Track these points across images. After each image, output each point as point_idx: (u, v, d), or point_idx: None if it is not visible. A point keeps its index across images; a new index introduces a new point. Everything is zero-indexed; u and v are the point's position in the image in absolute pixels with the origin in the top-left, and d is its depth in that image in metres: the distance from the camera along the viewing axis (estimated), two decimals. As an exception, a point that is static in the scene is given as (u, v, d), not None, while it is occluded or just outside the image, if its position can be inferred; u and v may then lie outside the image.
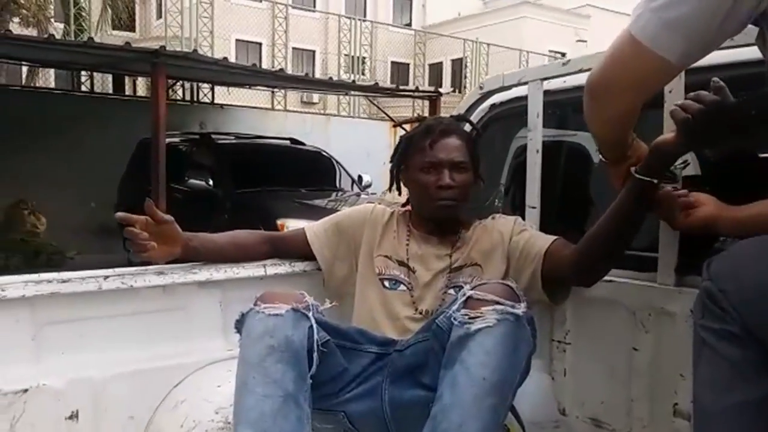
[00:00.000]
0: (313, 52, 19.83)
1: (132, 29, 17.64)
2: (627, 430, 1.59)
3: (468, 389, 1.17)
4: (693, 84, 1.36)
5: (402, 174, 1.69)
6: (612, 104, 1.18)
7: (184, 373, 1.57)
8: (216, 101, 11.00)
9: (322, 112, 14.23)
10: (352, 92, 10.81)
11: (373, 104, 11.01)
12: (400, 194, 1.74)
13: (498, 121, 2.05)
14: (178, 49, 8.90)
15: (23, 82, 12.18)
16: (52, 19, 13.15)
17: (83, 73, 10.48)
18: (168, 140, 6.55)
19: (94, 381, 1.46)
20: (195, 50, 7.81)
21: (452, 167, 1.57)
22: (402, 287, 1.60)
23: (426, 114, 9.22)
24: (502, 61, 14.17)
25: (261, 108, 11.33)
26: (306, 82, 9.40)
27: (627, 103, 1.17)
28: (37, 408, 1.39)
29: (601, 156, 1.39)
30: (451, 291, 1.54)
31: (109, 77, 12.20)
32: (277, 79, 8.68)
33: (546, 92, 1.75)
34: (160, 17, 14.13)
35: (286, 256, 1.75)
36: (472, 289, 1.27)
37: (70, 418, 1.43)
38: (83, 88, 10.63)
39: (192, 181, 6.38)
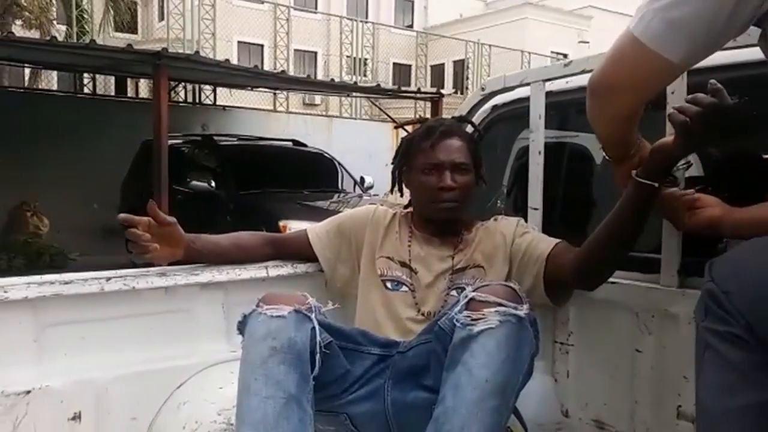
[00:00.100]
0: (315, 53, 19.85)
1: (134, 31, 17.68)
2: (630, 432, 1.59)
3: (470, 391, 1.17)
4: (696, 85, 1.36)
5: (404, 175, 1.69)
6: (614, 104, 1.17)
7: (186, 375, 1.57)
8: (218, 103, 11.02)
9: (324, 113, 14.23)
10: (354, 94, 10.81)
11: (375, 106, 11.01)
12: (402, 195, 1.74)
13: (500, 123, 2.05)
14: (180, 51, 8.90)
15: (26, 84, 12.20)
16: (55, 22, 13.19)
17: (85, 75, 10.50)
18: (170, 142, 6.56)
19: (97, 382, 1.46)
20: (197, 52, 7.82)
21: (453, 169, 1.57)
22: (404, 288, 1.60)
23: (428, 115, 9.23)
24: (504, 62, 14.17)
25: (263, 110, 11.34)
26: (308, 84, 9.40)
27: (629, 102, 1.17)
28: (39, 410, 1.39)
29: (604, 154, 1.39)
30: (454, 292, 1.54)
31: (112, 79, 12.22)
32: (279, 81, 8.68)
33: (548, 93, 1.75)
34: (162, 19, 14.14)
35: (288, 258, 1.75)
36: (474, 291, 1.26)
37: (73, 419, 1.44)
38: (86, 91, 10.65)
39: (194, 182, 6.39)
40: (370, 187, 7.15)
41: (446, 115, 7.70)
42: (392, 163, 1.73)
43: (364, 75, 13.64)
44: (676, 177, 1.34)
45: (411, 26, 22.89)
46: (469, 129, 1.79)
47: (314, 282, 1.72)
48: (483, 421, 1.17)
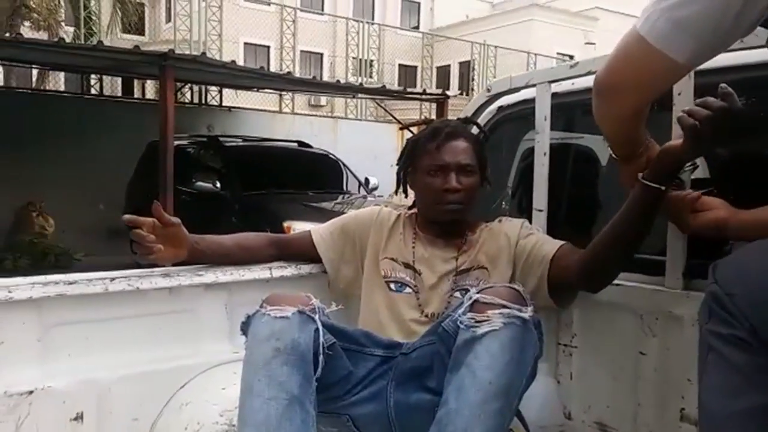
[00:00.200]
0: (321, 55, 19.87)
1: (141, 33, 17.74)
2: (633, 434, 1.58)
3: (474, 393, 1.17)
4: (702, 86, 1.36)
5: (408, 176, 1.68)
6: (619, 103, 1.17)
7: (189, 376, 1.57)
8: (224, 104, 11.05)
9: (329, 114, 14.25)
10: (360, 95, 10.81)
11: (381, 107, 11.01)
12: (406, 197, 1.74)
13: (505, 124, 2.04)
14: (187, 52, 8.93)
15: (33, 85, 12.27)
16: (63, 23, 13.26)
17: (93, 76, 10.55)
18: (176, 143, 6.58)
19: (100, 383, 1.47)
20: (203, 53, 7.84)
21: (459, 170, 1.56)
22: (408, 290, 1.59)
23: (433, 116, 9.22)
24: (509, 63, 14.15)
25: (269, 111, 11.36)
26: (313, 85, 9.41)
27: (634, 102, 1.16)
28: (42, 410, 1.39)
29: (611, 153, 1.38)
30: (457, 294, 1.53)
31: (119, 80, 12.28)
32: (284, 82, 8.69)
33: (554, 95, 1.74)
34: (170, 21, 14.21)
35: (292, 259, 1.75)
36: (478, 293, 1.26)
37: (75, 419, 1.44)
38: (92, 91, 10.70)
39: (199, 183, 6.39)
40: (375, 189, 7.15)
41: (452, 116, 7.70)
42: (397, 164, 1.73)
43: (370, 76, 13.65)
44: (683, 180, 1.34)
45: (417, 27, 22.90)
46: (475, 130, 1.78)
47: (318, 283, 1.72)
48: (486, 423, 1.16)
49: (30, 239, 7.32)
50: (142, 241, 1.45)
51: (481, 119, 2.01)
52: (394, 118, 10.18)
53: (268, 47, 17.86)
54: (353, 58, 13.86)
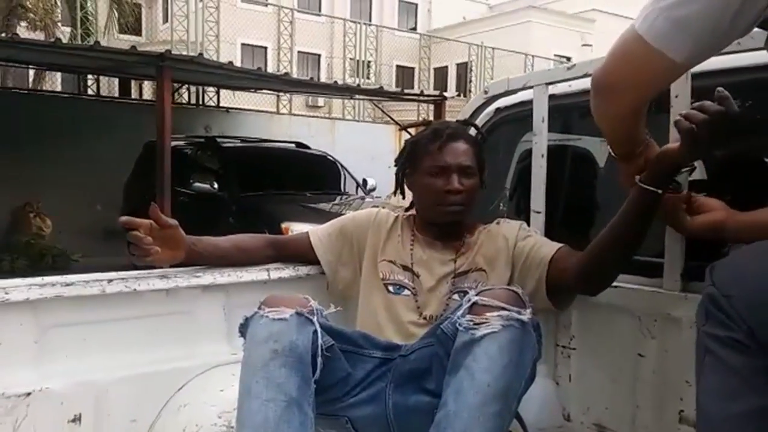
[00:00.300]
0: (319, 56, 19.85)
1: (138, 33, 17.71)
2: (632, 436, 1.58)
3: (472, 396, 1.17)
4: (699, 88, 1.36)
5: (407, 178, 1.68)
6: (617, 102, 1.16)
7: (187, 377, 1.57)
8: (221, 105, 11.03)
9: (327, 115, 14.24)
10: (357, 96, 10.81)
11: (378, 108, 11.01)
12: (404, 198, 1.74)
13: (503, 126, 2.04)
14: (184, 52, 8.93)
15: (30, 85, 12.23)
16: (59, 23, 13.23)
17: (90, 76, 10.53)
18: (173, 143, 6.57)
19: (97, 384, 1.46)
20: (200, 54, 7.83)
21: (460, 171, 1.56)
22: (406, 292, 1.59)
23: (431, 118, 9.23)
24: (507, 65, 14.17)
25: (266, 112, 11.36)
26: (311, 86, 9.41)
27: (632, 101, 1.16)
28: (39, 411, 1.38)
29: (611, 151, 1.37)
30: (456, 296, 1.53)
31: (116, 81, 12.26)
32: (282, 83, 8.69)
33: (551, 96, 1.74)
34: (166, 21, 14.19)
35: (290, 260, 1.75)
36: (477, 295, 1.26)
37: (73, 421, 1.43)
38: (89, 92, 10.68)
39: (197, 184, 6.39)
40: (373, 190, 7.15)
41: (449, 117, 7.70)
42: (395, 166, 1.72)
43: (368, 77, 13.65)
44: (680, 183, 1.34)
45: (414, 29, 22.90)
46: (472, 132, 1.78)
47: (316, 285, 1.72)
48: (485, 426, 1.16)
49: (27, 240, 7.32)
50: (139, 243, 1.44)
51: (479, 121, 2.01)
52: (392, 119, 10.18)
53: (266, 48, 17.85)
54: (351, 59, 13.87)
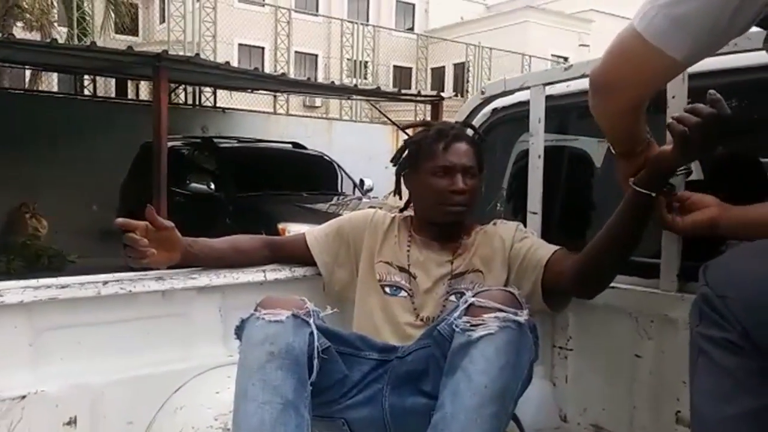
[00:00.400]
0: (316, 56, 19.85)
1: (135, 33, 17.69)
2: (629, 437, 1.58)
3: (469, 397, 1.16)
4: (696, 89, 1.36)
5: (407, 178, 1.67)
6: (615, 100, 1.16)
7: (183, 379, 1.56)
8: (218, 105, 11.02)
9: (324, 116, 14.22)
10: (355, 96, 10.81)
11: (375, 108, 11.01)
12: (401, 198, 1.73)
13: (500, 126, 2.04)
14: (181, 53, 8.91)
15: (26, 86, 12.20)
16: (56, 24, 13.19)
17: (86, 77, 10.50)
18: (170, 144, 6.56)
19: (93, 387, 1.45)
20: (197, 54, 7.82)
21: (464, 172, 1.57)
22: (403, 293, 1.59)
23: (428, 118, 9.23)
24: (504, 65, 14.18)
25: (263, 112, 11.34)
26: (308, 86, 9.41)
27: (631, 98, 1.15)
28: (35, 414, 1.38)
29: (611, 149, 1.37)
30: (452, 298, 1.53)
31: (112, 81, 12.22)
32: (279, 83, 8.69)
33: (548, 97, 1.74)
34: (163, 21, 14.15)
35: (286, 261, 1.74)
36: (473, 296, 1.26)
37: (68, 424, 1.43)
38: (86, 92, 10.65)
39: (194, 185, 6.39)
40: (370, 190, 7.15)
41: (446, 117, 7.70)
42: (394, 166, 1.72)
43: (365, 78, 13.65)
44: (674, 186, 1.33)
45: (412, 29, 22.92)
46: (469, 133, 1.78)
47: (312, 286, 1.72)
48: (482, 428, 1.16)
49: (23, 241, 7.29)
50: (135, 245, 1.44)
51: (476, 121, 2.01)
52: (389, 119, 10.18)
53: (263, 48, 17.84)
54: (348, 59, 13.85)
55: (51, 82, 12.44)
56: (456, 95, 12.13)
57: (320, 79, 15.66)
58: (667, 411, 1.46)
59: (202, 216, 6.05)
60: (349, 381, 1.39)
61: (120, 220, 1.46)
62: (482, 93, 2.03)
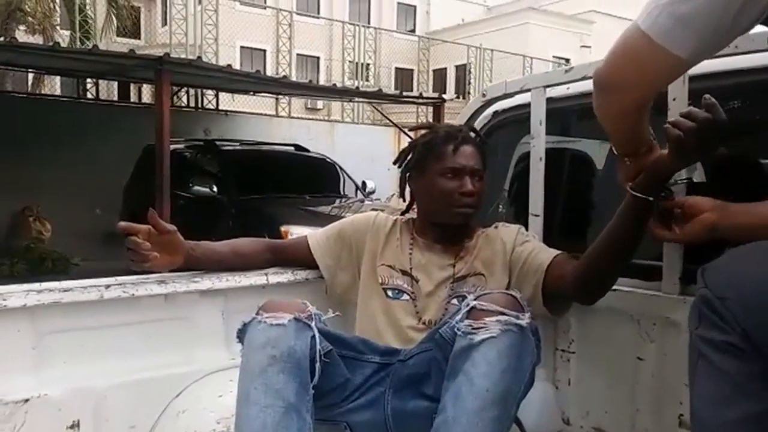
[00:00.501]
0: (318, 58, 19.88)
1: (137, 36, 17.73)
2: (631, 440, 1.57)
3: (471, 401, 1.16)
4: (697, 91, 1.36)
5: (412, 180, 1.67)
6: (620, 99, 1.15)
7: (185, 383, 1.56)
8: (220, 108, 11.03)
9: (326, 118, 14.25)
10: (356, 98, 10.82)
11: (377, 110, 11.02)
12: (405, 200, 1.74)
13: (501, 128, 2.04)
14: (183, 56, 8.93)
15: (29, 89, 12.24)
16: (58, 27, 13.23)
17: (89, 80, 10.53)
18: (172, 147, 6.57)
19: (96, 391, 1.46)
20: (199, 57, 7.85)
21: (472, 174, 1.57)
22: (405, 297, 1.59)
23: (430, 120, 9.23)
24: (506, 67, 14.18)
25: (265, 114, 11.36)
26: (310, 89, 9.42)
27: (635, 98, 1.15)
28: (38, 418, 1.38)
29: (614, 150, 1.36)
30: (455, 301, 1.53)
31: (115, 84, 12.26)
32: (281, 86, 8.70)
33: (549, 99, 1.74)
34: (166, 24, 14.18)
35: (288, 264, 1.74)
36: (475, 299, 1.26)
37: (71, 428, 1.43)
38: (88, 96, 10.68)
39: (196, 187, 6.39)
40: (372, 192, 7.15)
41: (448, 119, 7.70)
42: (398, 167, 1.71)
43: (366, 80, 13.66)
44: (672, 191, 1.33)
45: (413, 31, 22.95)
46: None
47: (314, 289, 1.72)
48: (483, 431, 1.16)
49: (27, 244, 7.31)
50: (138, 249, 1.44)
51: (477, 124, 2.02)
52: (391, 121, 10.19)
53: (265, 51, 17.89)
54: (349, 61, 13.87)
55: (54, 85, 12.46)
56: (458, 97, 12.14)
57: (322, 81, 15.70)
58: (670, 414, 1.46)
59: (205, 219, 6.06)
60: (351, 384, 1.39)
61: (122, 223, 1.46)
62: (483, 95, 2.03)
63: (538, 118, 1.74)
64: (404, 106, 11.56)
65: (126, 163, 7.54)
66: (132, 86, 13.27)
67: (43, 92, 11.80)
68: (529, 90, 1.79)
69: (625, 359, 1.57)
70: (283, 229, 5.11)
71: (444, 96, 9.37)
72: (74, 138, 8.09)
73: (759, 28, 1.02)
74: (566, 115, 1.95)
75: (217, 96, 11.04)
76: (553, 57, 18.96)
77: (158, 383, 1.54)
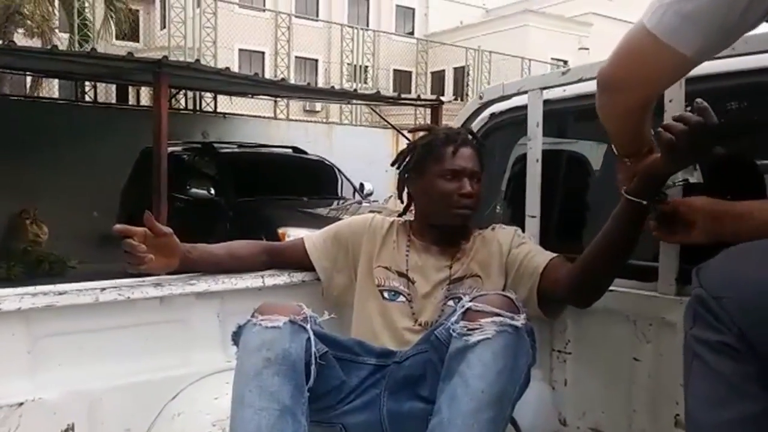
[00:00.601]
0: (316, 61, 19.91)
1: (136, 39, 17.75)
2: (628, 440, 1.57)
3: (466, 402, 1.16)
4: (693, 93, 1.36)
5: (410, 181, 1.67)
6: (624, 99, 1.15)
7: (181, 386, 1.56)
8: (218, 110, 11.03)
9: (324, 120, 14.26)
10: (355, 101, 10.83)
11: (375, 112, 11.02)
12: (403, 202, 1.74)
13: (498, 130, 2.04)
14: (181, 58, 8.93)
15: (27, 92, 12.24)
16: (57, 30, 13.24)
17: (87, 83, 10.53)
18: (170, 149, 6.57)
19: (91, 394, 1.45)
20: (197, 60, 7.85)
21: (471, 176, 1.58)
22: (401, 298, 1.59)
23: (428, 122, 9.23)
24: (504, 69, 14.20)
25: (263, 117, 11.36)
26: (308, 91, 9.43)
27: (640, 97, 1.15)
28: (32, 421, 1.37)
29: (615, 151, 1.35)
30: (451, 302, 1.53)
31: (113, 87, 12.26)
32: (279, 89, 8.70)
33: (546, 101, 1.74)
34: (164, 27, 14.20)
35: (285, 267, 1.74)
36: (470, 301, 1.26)
37: (66, 431, 1.42)
38: (87, 98, 10.68)
39: (194, 190, 6.38)
40: (370, 194, 7.15)
41: (446, 121, 7.71)
42: (396, 169, 1.71)
43: (365, 82, 13.67)
44: (666, 194, 1.33)
45: (412, 33, 22.96)
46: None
47: (311, 291, 1.72)
48: (479, 433, 1.16)
49: (24, 247, 7.30)
50: (134, 251, 1.44)
51: (474, 126, 2.02)
52: (389, 123, 10.19)
53: (263, 53, 17.91)
54: (348, 63, 13.88)
55: (52, 88, 12.46)
56: (456, 99, 12.15)
57: (320, 83, 15.72)
58: (666, 414, 1.46)
59: (203, 221, 6.05)
60: (347, 386, 1.39)
61: (118, 226, 1.46)
62: (480, 98, 2.03)
63: (535, 120, 1.75)
64: (402, 109, 11.57)
65: (124, 165, 7.53)
66: (130, 89, 13.28)
67: (41, 95, 11.80)
68: (526, 92, 1.80)
69: (622, 360, 1.57)
70: (280, 231, 5.10)
71: (442, 98, 9.39)
72: (72, 141, 8.09)
73: (757, 29, 1.02)
74: (563, 116, 1.95)
75: (215, 99, 11.04)
76: (552, 59, 18.97)
77: (154, 386, 1.53)
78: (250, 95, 10.56)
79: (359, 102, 11.02)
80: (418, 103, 9.86)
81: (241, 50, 17.73)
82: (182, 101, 11.09)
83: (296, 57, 16.95)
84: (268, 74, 13.93)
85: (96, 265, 5.83)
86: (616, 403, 1.59)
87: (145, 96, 12.73)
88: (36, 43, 12.04)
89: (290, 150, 7.63)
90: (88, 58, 6.64)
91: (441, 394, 1.21)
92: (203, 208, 6.30)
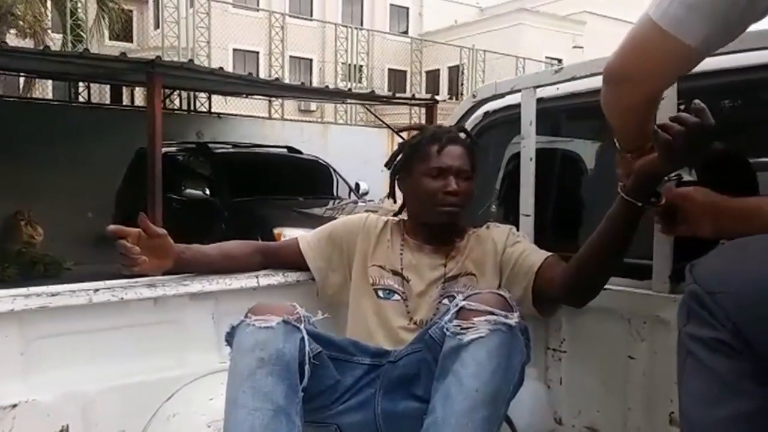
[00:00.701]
0: (311, 60, 19.88)
1: (130, 40, 17.69)
2: (623, 438, 1.58)
3: (460, 401, 1.16)
4: (687, 90, 1.36)
5: (401, 180, 1.67)
6: (630, 93, 1.14)
7: (175, 387, 1.55)
8: (213, 110, 11.01)
9: (319, 120, 14.25)
10: (349, 100, 10.81)
11: (370, 112, 11.02)
12: (395, 201, 1.73)
13: (491, 129, 2.04)
14: (175, 58, 8.92)
15: (20, 93, 12.18)
16: (49, 30, 13.18)
17: (80, 83, 10.49)
18: (165, 150, 6.55)
19: (85, 395, 1.45)
20: (191, 60, 7.83)
21: (458, 174, 1.57)
22: (396, 297, 1.59)
23: (422, 121, 9.23)
24: (498, 67, 14.21)
25: (258, 117, 11.35)
26: (303, 91, 9.41)
27: (647, 91, 1.14)
28: (26, 423, 1.37)
29: (618, 146, 1.34)
30: (445, 301, 1.53)
31: (107, 88, 12.22)
32: (273, 88, 8.68)
33: (539, 100, 1.74)
34: (158, 27, 14.16)
35: (280, 267, 1.74)
36: (464, 300, 1.26)
37: (60, 432, 1.42)
38: (80, 99, 10.64)
39: (189, 190, 6.37)
40: (366, 194, 7.14)
41: (441, 120, 7.71)
42: (388, 169, 1.71)
43: (359, 81, 13.65)
44: (661, 193, 1.33)
45: (406, 32, 22.95)
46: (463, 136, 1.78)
47: (305, 291, 1.71)
48: None
49: (18, 248, 7.29)
50: (127, 253, 1.43)
51: (468, 124, 2.02)
52: (384, 123, 10.18)
53: (257, 53, 17.86)
54: (342, 63, 13.87)
55: (45, 89, 12.41)
56: (451, 98, 12.12)
57: (315, 83, 15.72)
58: (661, 412, 1.46)
59: (198, 221, 6.04)
60: (341, 386, 1.38)
61: (112, 227, 1.45)
62: (474, 96, 2.03)
63: (528, 118, 1.75)
64: (397, 108, 11.56)
65: (118, 166, 7.51)
66: (124, 89, 13.24)
67: (34, 96, 11.75)
68: (519, 91, 1.79)
69: (616, 358, 1.57)
70: (276, 231, 5.10)
71: (437, 97, 9.37)
72: (66, 141, 8.06)
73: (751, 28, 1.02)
74: (556, 115, 1.95)
75: (209, 99, 11.02)
76: (546, 57, 18.99)
77: (148, 387, 1.53)
78: (244, 95, 10.53)
79: (354, 101, 11.01)
80: (413, 102, 9.85)
81: (235, 50, 17.69)
82: (177, 101, 11.06)
83: (290, 57, 16.94)
84: (263, 74, 13.89)
85: (91, 267, 5.80)
86: (611, 401, 1.59)
87: (140, 96, 12.70)
88: (28, 43, 12.00)
89: (285, 150, 7.63)
90: (80, 58, 6.61)
91: (435, 394, 1.21)
92: (198, 209, 6.29)
